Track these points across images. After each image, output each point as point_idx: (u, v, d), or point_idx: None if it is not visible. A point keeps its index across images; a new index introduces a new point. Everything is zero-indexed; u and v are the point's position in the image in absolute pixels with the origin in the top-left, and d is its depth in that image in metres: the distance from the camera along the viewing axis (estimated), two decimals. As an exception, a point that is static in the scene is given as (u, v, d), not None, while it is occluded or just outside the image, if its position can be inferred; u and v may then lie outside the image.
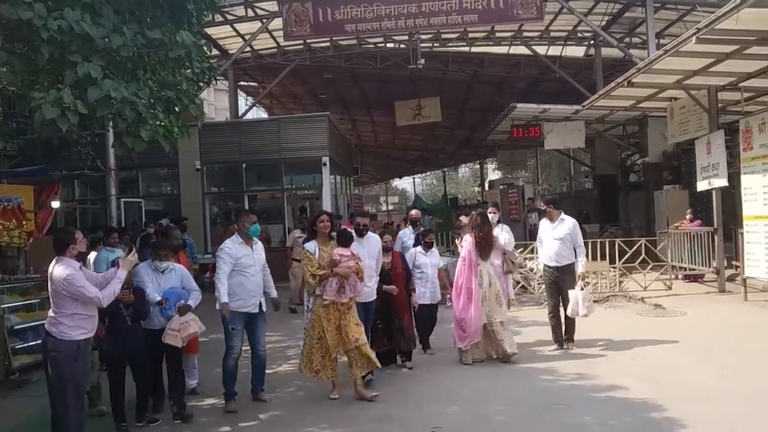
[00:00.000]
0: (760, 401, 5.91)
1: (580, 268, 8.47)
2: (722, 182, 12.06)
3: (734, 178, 11.99)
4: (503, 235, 8.66)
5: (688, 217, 14.28)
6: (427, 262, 8.55)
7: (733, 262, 12.79)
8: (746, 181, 11.05)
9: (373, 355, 6.65)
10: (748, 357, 7.53)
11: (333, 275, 6.53)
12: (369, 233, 7.41)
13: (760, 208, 10.63)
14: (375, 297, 7.34)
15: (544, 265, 8.66)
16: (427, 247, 8.66)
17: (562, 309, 8.38)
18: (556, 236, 8.41)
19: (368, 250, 7.19)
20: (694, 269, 13.41)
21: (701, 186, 12.83)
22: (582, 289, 8.23)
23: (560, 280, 8.40)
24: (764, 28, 9.31)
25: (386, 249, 7.75)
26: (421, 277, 8.42)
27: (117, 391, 6.18)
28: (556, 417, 5.82)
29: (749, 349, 7.89)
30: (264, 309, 6.80)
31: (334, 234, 6.96)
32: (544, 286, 8.81)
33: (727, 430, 5.29)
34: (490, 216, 8.39)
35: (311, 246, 6.79)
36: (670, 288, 12.81)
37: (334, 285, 6.54)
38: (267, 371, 7.03)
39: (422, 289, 8.34)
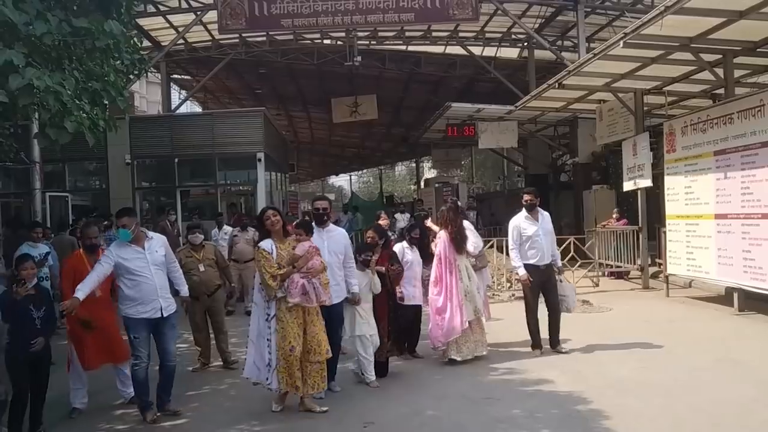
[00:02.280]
0: (677, 393, 6.13)
1: (559, 263, 8.19)
2: (647, 182, 12.48)
3: (658, 178, 12.37)
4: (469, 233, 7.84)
5: (614, 216, 14.73)
6: (414, 259, 7.81)
7: (657, 260, 13.24)
8: (669, 181, 11.48)
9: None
10: (668, 351, 7.81)
11: (296, 271, 5.85)
12: (332, 225, 6.72)
13: (682, 208, 11.06)
14: (340, 301, 6.56)
15: (529, 265, 7.81)
16: (413, 242, 7.95)
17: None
18: (546, 231, 7.86)
19: (328, 243, 6.44)
20: (619, 266, 13.83)
21: (627, 186, 13.23)
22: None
23: (547, 279, 7.88)
24: (686, 34, 9.72)
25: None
26: (409, 276, 7.63)
27: (18, 404, 5.53)
28: (485, 411, 5.91)
29: (669, 344, 8.17)
30: (170, 312, 6.11)
31: (289, 228, 6.27)
32: (523, 288, 8.06)
33: (646, 421, 5.46)
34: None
35: (267, 245, 5.97)
36: (597, 285, 13.23)
37: (299, 286, 5.84)
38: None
39: (411, 289, 7.63)
